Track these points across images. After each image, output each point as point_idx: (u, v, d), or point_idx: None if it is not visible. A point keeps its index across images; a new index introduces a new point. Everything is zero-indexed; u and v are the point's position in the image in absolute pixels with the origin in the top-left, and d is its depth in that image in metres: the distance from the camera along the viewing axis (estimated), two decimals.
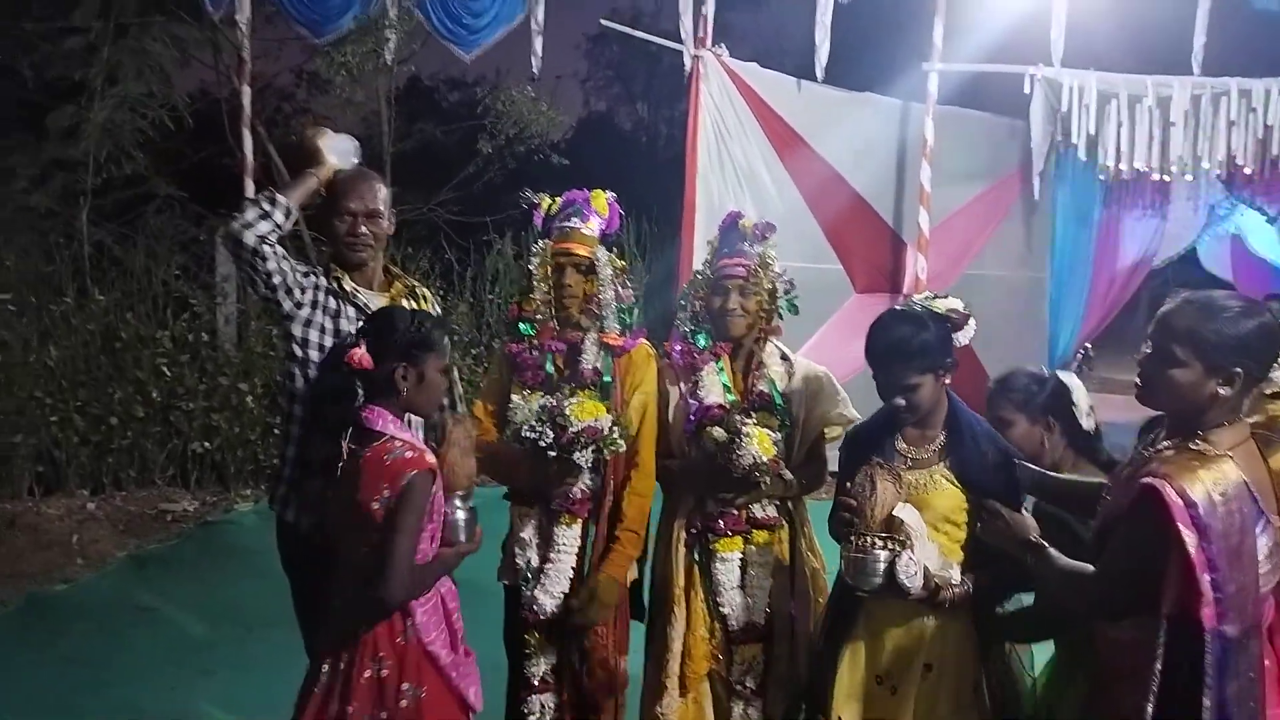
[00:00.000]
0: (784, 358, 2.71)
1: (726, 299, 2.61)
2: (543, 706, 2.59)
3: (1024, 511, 2.20)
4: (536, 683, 2.59)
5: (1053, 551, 2.00)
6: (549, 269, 2.59)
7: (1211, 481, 1.72)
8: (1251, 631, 1.74)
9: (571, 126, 17.74)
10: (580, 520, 2.57)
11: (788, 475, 2.55)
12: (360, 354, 2.15)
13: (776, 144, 6.63)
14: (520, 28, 6.95)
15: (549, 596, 2.54)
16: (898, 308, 2.35)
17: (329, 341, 2.50)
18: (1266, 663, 1.80)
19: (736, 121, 6.52)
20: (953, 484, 2.24)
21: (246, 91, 7.02)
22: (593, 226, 2.62)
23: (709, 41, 6.48)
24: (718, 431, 2.48)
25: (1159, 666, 1.72)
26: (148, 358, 6.38)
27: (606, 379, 2.57)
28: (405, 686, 2.09)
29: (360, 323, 2.44)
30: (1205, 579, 1.68)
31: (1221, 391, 1.79)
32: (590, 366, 2.57)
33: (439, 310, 2.85)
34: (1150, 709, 1.72)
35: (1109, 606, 1.87)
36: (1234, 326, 1.79)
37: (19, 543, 5.40)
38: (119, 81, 7.22)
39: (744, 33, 15.93)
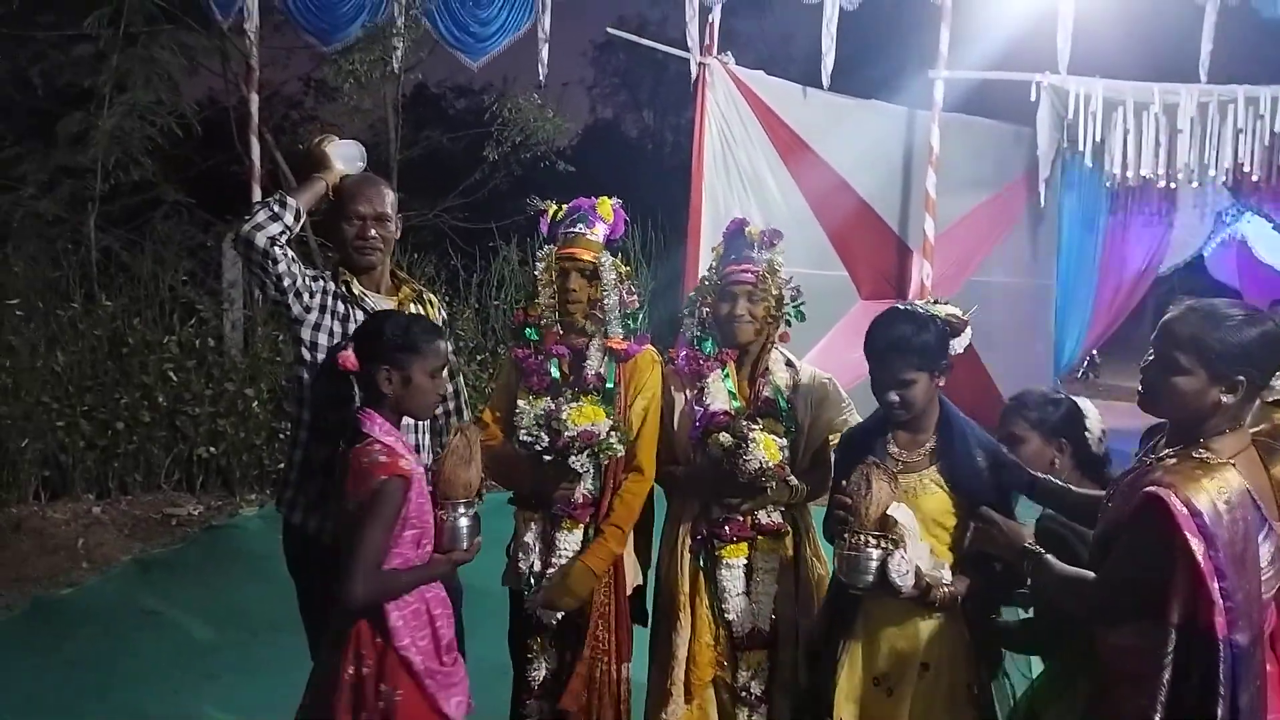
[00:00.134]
0: (789, 364, 2.71)
1: (734, 305, 2.61)
2: (541, 710, 2.58)
3: (1017, 517, 2.21)
4: (536, 687, 2.59)
5: (1049, 557, 2.01)
6: (554, 274, 2.60)
7: (1215, 490, 1.72)
8: (1257, 639, 1.74)
9: (578, 133, 17.81)
10: (582, 526, 2.56)
11: (793, 481, 2.55)
12: (347, 356, 2.19)
13: (782, 151, 6.64)
14: (527, 36, 7.00)
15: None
16: (899, 306, 2.38)
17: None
18: (1269, 668, 1.79)
19: (742, 128, 6.54)
20: (941, 488, 2.26)
21: (254, 99, 7.07)
22: (598, 232, 2.63)
23: (715, 49, 6.50)
24: (724, 436, 2.47)
25: (1167, 676, 1.71)
26: (154, 363, 6.41)
27: (610, 385, 2.57)
28: (382, 688, 2.10)
29: None
30: (1214, 587, 1.67)
31: (1224, 399, 1.79)
32: (594, 372, 2.57)
33: (445, 316, 2.86)
34: (1158, 718, 1.71)
35: (1108, 612, 1.86)
36: (1238, 334, 1.78)
37: (25, 547, 5.42)
38: (128, 89, 7.26)
39: (750, 41, 16.00)
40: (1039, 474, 2.29)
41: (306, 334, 2.54)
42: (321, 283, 2.57)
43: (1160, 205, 7.13)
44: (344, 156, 2.61)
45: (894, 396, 2.25)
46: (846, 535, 2.19)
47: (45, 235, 7.15)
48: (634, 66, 21.58)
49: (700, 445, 2.58)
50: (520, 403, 2.57)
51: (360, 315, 2.56)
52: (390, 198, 2.64)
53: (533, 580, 2.58)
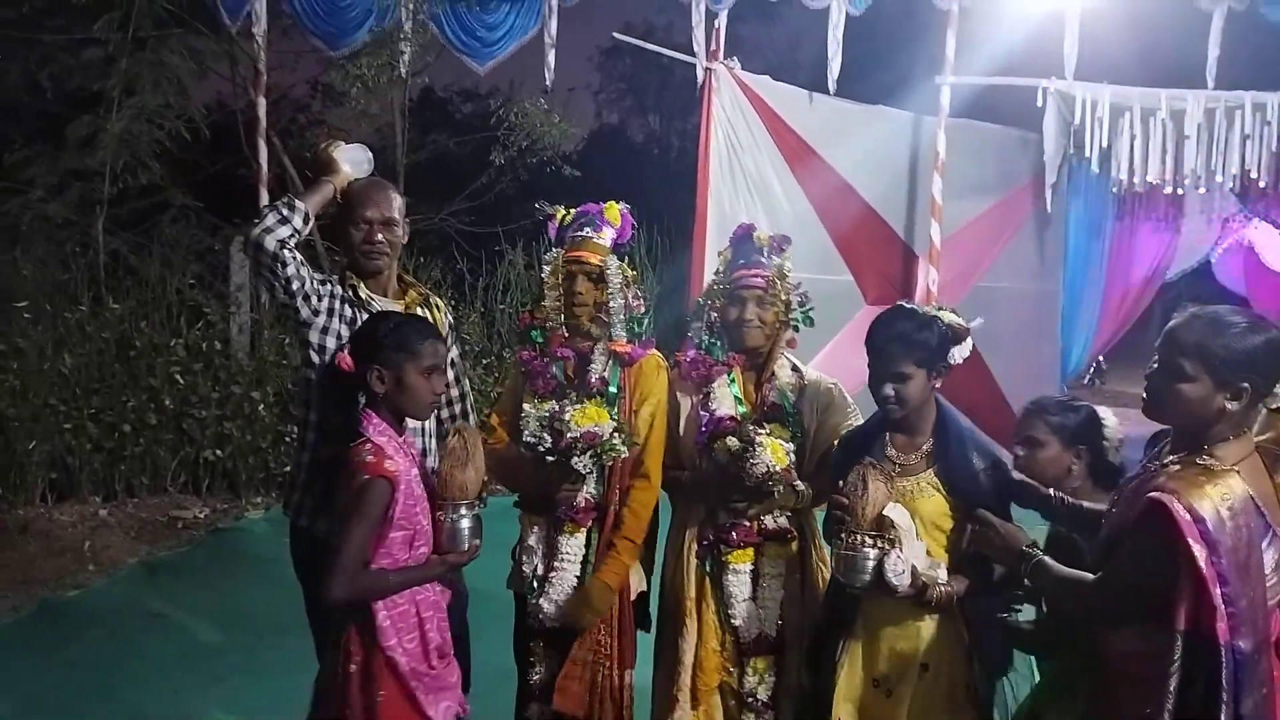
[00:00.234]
0: (795, 369, 2.71)
1: (743, 309, 2.61)
2: (541, 713, 2.59)
3: (1014, 520, 2.22)
4: (537, 690, 2.59)
5: (1047, 559, 2.02)
6: (560, 276, 2.61)
7: (1219, 496, 1.72)
8: (1262, 646, 1.74)
9: (583, 138, 17.83)
10: (584, 530, 2.57)
11: (800, 485, 2.55)
12: (343, 358, 2.23)
13: (788, 156, 6.65)
14: (533, 41, 7.01)
15: (553, 605, 2.55)
16: (903, 304, 2.40)
17: None
18: (1277, 674, 1.79)
19: (748, 134, 6.54)
20: (939, 490, 2.28)
21: (262, 103, 7.10)
22: (605, 236, 2.65)
23: (721, 54, 6.51)
24: (731, 441, 2.47)
25: (1174, 683, 1.71)
26: (161, 366, 6.43)
27: (613, 389, 2.57)
28: (369, 686, 2.13)
29: None
30: (1216, 593, 1.68)
31: (1229, 406, 1.80)
32: (598, 376, 2.58)
33: (451, 320, 2.87)
34: None
35: (1108, 616, 1.87)
36: (1242, 341, 1.79)
37: (31, 549, 5.44)
38: (136, 93, 7.29)
39: (756, 46, 16.01)
40: (1050, 491, 2.29)
41: (314, 337, 2.55)
42: (329, 286, 2.58)
43: (1167, 211, 7.12)
44: (351, 160, 2.63)
45: (889, 390, 2.27)
46: (843, 535, 2.21)
47: (54, 238, 7.18)
48: (640, 72, 21.61)
49: (706, 450, 2.58)
50: (525, 406, 2.58)
51: None
52: (398, 202, 2.65)
53: (535, 584, 2.58)
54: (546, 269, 2.64)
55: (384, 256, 2.62)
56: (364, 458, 2.11)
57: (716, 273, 2.75)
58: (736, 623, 2.56)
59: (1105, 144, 6.72)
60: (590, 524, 2.57)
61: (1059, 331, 7.36)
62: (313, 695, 2.24)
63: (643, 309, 2.69)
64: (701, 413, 2.61)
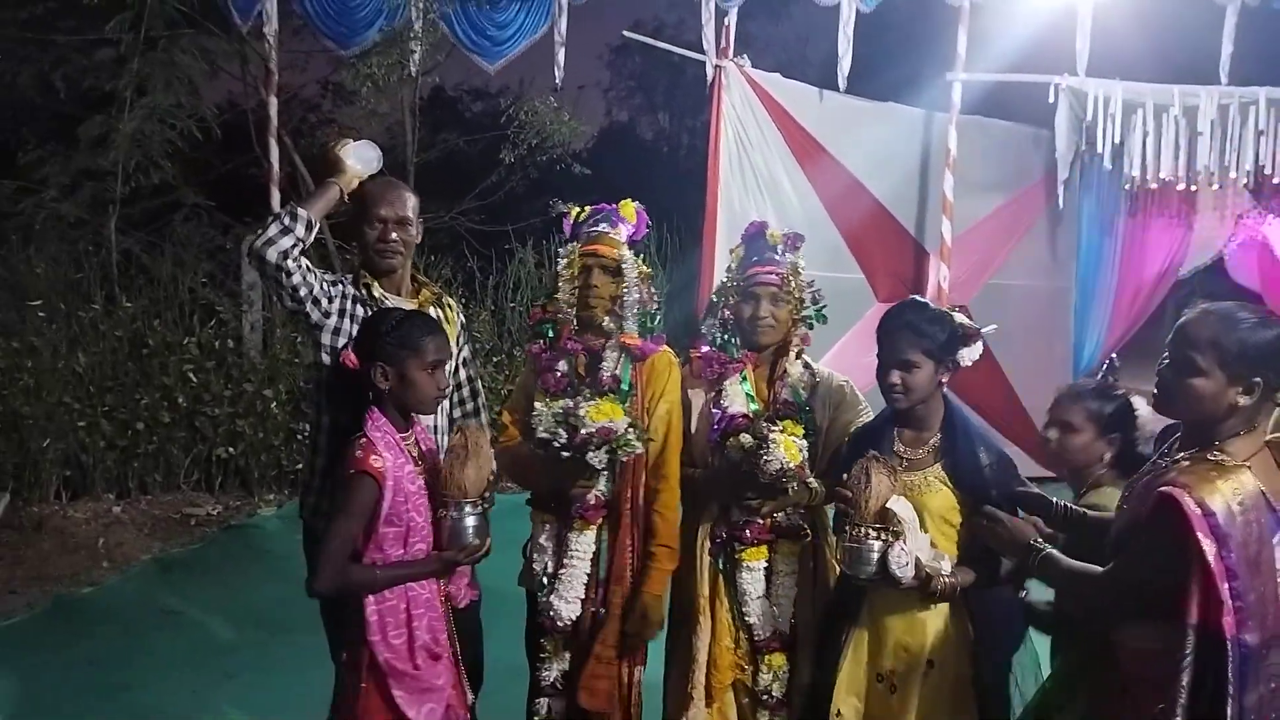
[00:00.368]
0: (807, 366, 2.71)
1: (757, 307, 2.61)
2: (550, 709, 2.59)
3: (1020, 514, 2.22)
4: (547, 686, 2.60)
5: (1055, 553, 2.01)
6: (576, 270, 2.62)
7: (1230, 491, 1.73)
8: (1272, 642, 1.73)
9: (593, 136, 17.82)
10: (594, 527, 2.57)
11: (813, 482, 2.54)
12: (348, 355, 2.26)
13: (798, 153, 6.63)
14: (543, 39, 7.01)
15: (564, 602, 2.55)
16: (916, 297, 2.43)
17: None
18: None
19: (758, 131, 6.53)
20: (946, 485, 2.29)
21: (273, 102, 7.12)
22: (620, 233, 2.65)
23: (731, 52, 6.49)
24: (745, 438, 2.47)
25: (1187, 679, 1.71)
26: (174, 364, 6.46)
27: (625, 386, 2.58)
28: (354, 678, 2.16)
29: None
30: (1225, 588, 1.68)
31: (1241, 401, 1.80)
32: (609, 374, 2.58)
33: (464, 319, 2.87)
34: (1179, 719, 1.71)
35: (1117, 612, 1.87)
36: (1255, 335, 1.80)
37: (46, 546, 5.48)
38: (148, 93, 7.32)
39: (766, 44, 15.97)
40: (1053, 498, 2.29)
41: (326, 339, 2.56)
42: (340, 287, 2.59)
43: (1180, 208, 7.07)
44: (360, 158, 2.62)
45: (896, 377, 2.28)
46: (848, 527, 2.23)
47: (67, 237, 7.23)
48: (650, 69, 21.58)
49: (719, 447, 2.57)
50: (537, 404, 2.58)
51: None
52: (412, 202, 2.66)
53: (546, 581, 2.59)
54: (562, 262, 2.65)
55: (398, 255, 2.63)
56: (354, 453, 2.14)
57: (728, 270, 2.75)
58: (750, 620, 2.56)
59: (1118, 140, 6.68)
60: (600, 521, 2.57)
61: (1071, 328, 7.32)
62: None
63: (656, 305, 2.70)
64: (714, 410, 2.61)
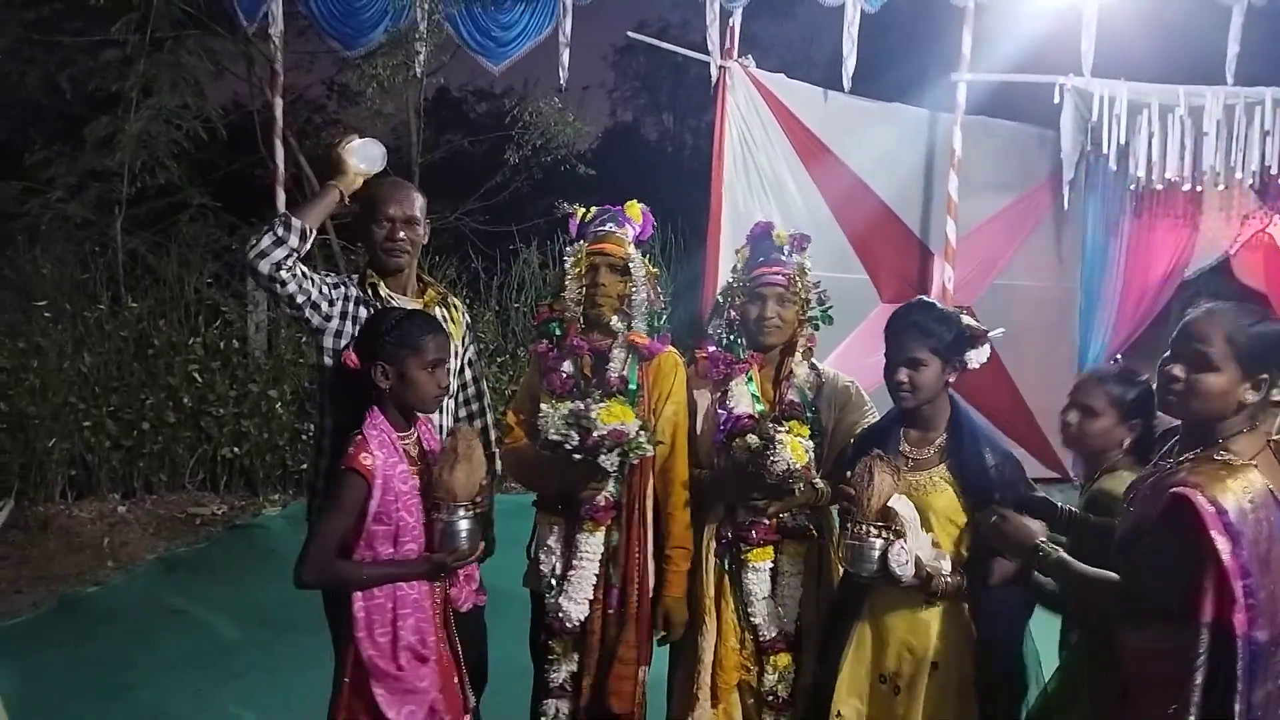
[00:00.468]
0: (813, 367, 2.71)
1: (764, 307, 2.61)
2: (558, 711, 2.59)
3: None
4: (555, 688, 2.59)
5: (1064, 555, 1.99)
6: (583, 269, 2.62)
7: (1240, 490, 1.73)
8: (1278, 639, 1.74)
9: (598, 137, 17.77)
10: (603, 528, 2.57)
11: (819, 483, 2.54)
12: (348, 355, 2.27)
13: (802, 154, 6.62)
14: (548, 40, 7.01)
15: (573, 604, 2.55)
16: (925, 298, 2.43)
17: None
18: None
19: (762, 132, 6.52)
20: (951, 486, 2.29)
21: (279, 103, 7.13)
22: (627, 232, 2.66)
23: (735, 52, 6.49)
24: (751, 438, 2.47)
25: (1200, 678, 1.71)
26: (179, 364, 6.48)
27: (633, 386, 2.58)
28: (340, 674, 2.18)
29: None
30: (1238, 585, 1.69)
31: (1249, 398, 1.81)
32: (617, 375, 2.58)
33: (469, 319, 2.87)
34: (1193, 717, 1.71)
35: (1134, 614, 1.86)
36: (1266, 329, 1.82)
37: (51, 545, 5.50)
38: (154, 93, 7.35)
39: (771, 44, 15.92)
40: (1058, 503, 2.28)
41: (328, 342, 2.56)
42: (343, 289, 2.58)
43: (1185, 208, 7.04)
44: (364, 157, 2.61)
45: (903, 375, 2.29)
46: (849, 525, 2.23)
47: (73, 238, 7.26)
48: (654, 70, 21.55)
49: (725, 448, 2.57)
50: (543, 405, 2.57)
51: None
52: (420, 202, 2.66)
53: (554, 582, 2.59)
54: (568, 261, 2.65)
55: (405, 255, 2.63)
56: (347, 450, 2.16)
57: (734, 270, 2.75)
58: (756, 621, 2.56)
59: (1123, 141, 6.66)
60: (609, 523, 2.57)
61: (1076, 330, 7.30)
62: None
63: (662, 305, 2.70)
64: (719, 411, 2.61)
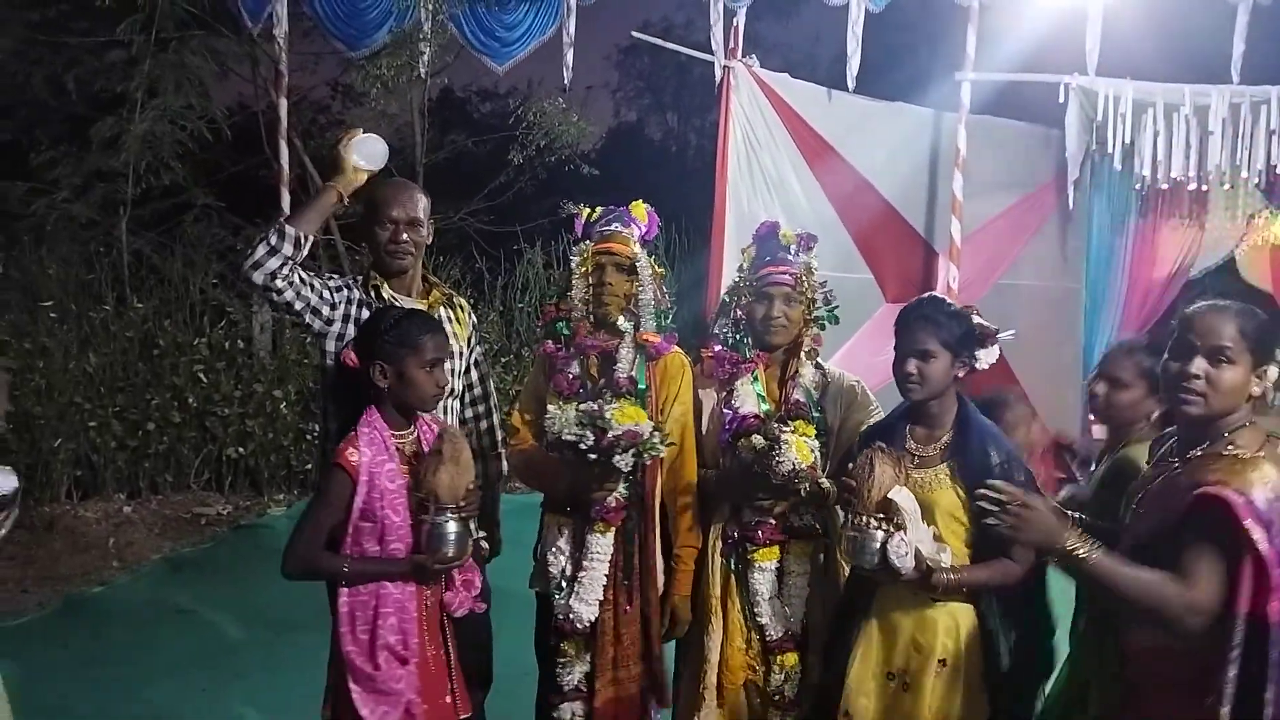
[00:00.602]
0: (818, 366, 2.70)
1: (770, 307, 2.61)
2: (573, 714, 2.59)
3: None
4: (568, 690, 2.59)
5: (1105, 557, 1.80)
6: (590, 268, 2.62)
7: (1261, 480, 1.74)
8: None
9: (602, 137, 17.77)
10: (614, 529, 2.56)
11: (825, 483, 2.54)
12: (348, 354, 2.28)
13: (807, 154, 6.61)
14: (552, 40, 7.01)
15: (584, 605, 2.55)
16: (935, 294, 2.44)
17: None
18: None
19: (767, 131, 6.51)
20: (955, 483, 2.28)
21: (283, 104, 7.14)
22: (633, 232, 2.66)
23: (739, 52, 6.48)
24: (756, 439, 2.47)
25: (1234, 670, 1.70)
26: (185, 364, 6.49)
27: (642, 386, 2.58)
28: (329, 667, 2.21)
29: None
30: (1277, 573, 1.69)
31: (1254, 390, 1.83)
32: (625, 375, 2.57)
33: (474, 320, 2.87)
34: (1227, 711, 1.70)
35: (1201, 618, 1.75)
36: (1264, 320, 1.85)
37: (57, 545, 5.51)
38: (159, 94, 7.37)
39: (775, 43, 15.93)
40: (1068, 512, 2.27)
41: (330, 345, 2.56)
42: (345, 292, 2.58)
43: (1191, 208, 7.02)
44: (366, 154, 2.58)
45: (912, 366, 2.29)
46: (849, 516, 2.23)
47: (78, 238, 7.28)
48: (658, 70, 21.56)
49: (730, 448, 2.57)
50: (550, 407, 2.57)
51: None
52: (424, 203, 2.66)
53: (564, 584, 2.58)
54: (575, 260, 2.65)
55: (409, 256, 2.62)
56: (339, 447, 2.19)
57: (740, 270, 2.75)
58: (762, 620, 2.56)
59: (1128, 140, 6.64)
60: (619, 523, 2.57)
61: (1081, 329, 7.28)
62: None
63: (668, 304, 2.70)
64: (725, 410, 2.61)
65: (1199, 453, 1.85)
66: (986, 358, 2.35)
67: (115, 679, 3.89)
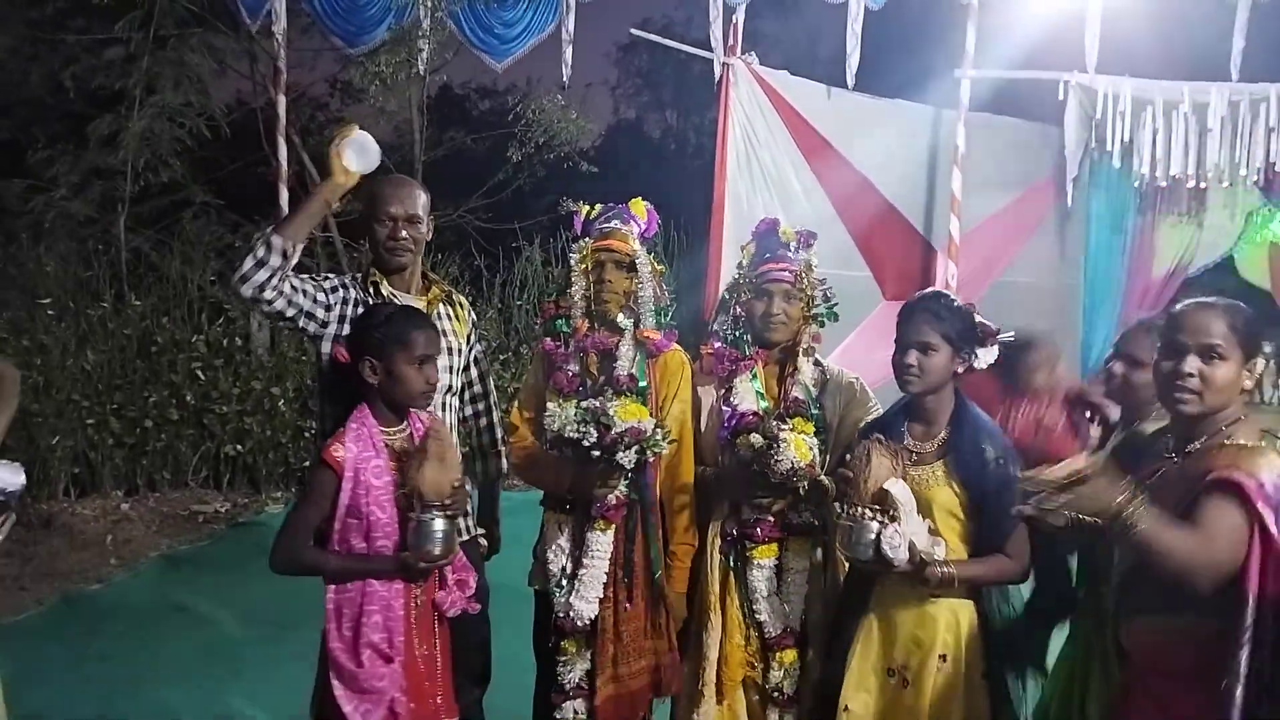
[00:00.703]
0: (817, 363, 2.70)
1: (770, 304, 2.61)
2: (575, 712, 2.58)
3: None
4: (570, 688, 2.58)
5: (1156, 520, 1.72)
6: (589, 266, 2.62)
7: (1269, 466, 1.75)
8: None
9: (601, 134, 17.79)
10: (614, 526, 2.56)
11: (825, 480, 2.54)
12: (339, 350, 2.29)
13: (806, 151, 6.60)
14: (551, 37, 7.01)
15: (584, 602, 2.54)
16: (938, 289, 2.46)
17: None
18: None
19: (766, 129, 6.51)
20: (951, 480, 2.29)
21: (282, 101, 7.14)
22: (632, 229, 2.65)
23: (739, 49, 6.47)
24: (755, 437, 2.47)
25: (1245, 654, 1.70)
26: (183, 362, 6.49)
27: (642, 384, 2.58)
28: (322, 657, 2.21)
29: None
30: None
31: (1246, 384, 1.86)
32: (625, 373, 2.57)
33: (474, 317, 2.86)
34: (1240, 692, 1.69)
35: (1216, 578, 1.73)
36: (1250, 314, 1.87)
37: (55, 542, 5.51)
38: (157, 91, 7.37)
39: (775, 41, 15.92)
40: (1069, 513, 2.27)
41: (326, 346, 2.54)
42: (341, 292, 2.55)
43: (1189, 205, 7.02)
44: (359, 151, 2.52)
45: (912, 357, 2.30)
46: (845, 507, 2.24)
47: (76, 235, 7.27)
48: (657, 67, 21.55)
49: (729, 446, 2.57)
50: (550, 405, 2.57)
51: None
52: (423, 199, 2.64)
53: (564, 581, 2.58)
54: (574, 258, 2.65)
55: (408, 253, 2.61)
56: (326, 443, 2.19)
57: (739, 267, 2.74)
58: (761, 617, 2.56)
59: (1127, 138, 6.64)
60: (619, 521, 2.57)
61: (1080, 327, 7.28)
62: None
63: (668, 301, 2.70)
64: (724, 408, 2.61)
65: (1198, 446, 1.86)
66: (986, 357, 2.35)
67: (113, 676, 3.89)
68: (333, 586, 2.17)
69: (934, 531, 2.25)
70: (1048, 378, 2.64)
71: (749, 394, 2.61)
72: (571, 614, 2.55)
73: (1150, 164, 6.64)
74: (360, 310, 2.55)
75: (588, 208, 2.72)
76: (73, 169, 7.36)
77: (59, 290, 6.51)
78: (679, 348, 2.68)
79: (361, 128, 2.55)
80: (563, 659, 2.59)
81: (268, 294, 2.40)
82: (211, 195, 8.21)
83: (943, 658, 2.26)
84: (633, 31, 7.89)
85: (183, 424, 6.43)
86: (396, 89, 7.82)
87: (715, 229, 6.36)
